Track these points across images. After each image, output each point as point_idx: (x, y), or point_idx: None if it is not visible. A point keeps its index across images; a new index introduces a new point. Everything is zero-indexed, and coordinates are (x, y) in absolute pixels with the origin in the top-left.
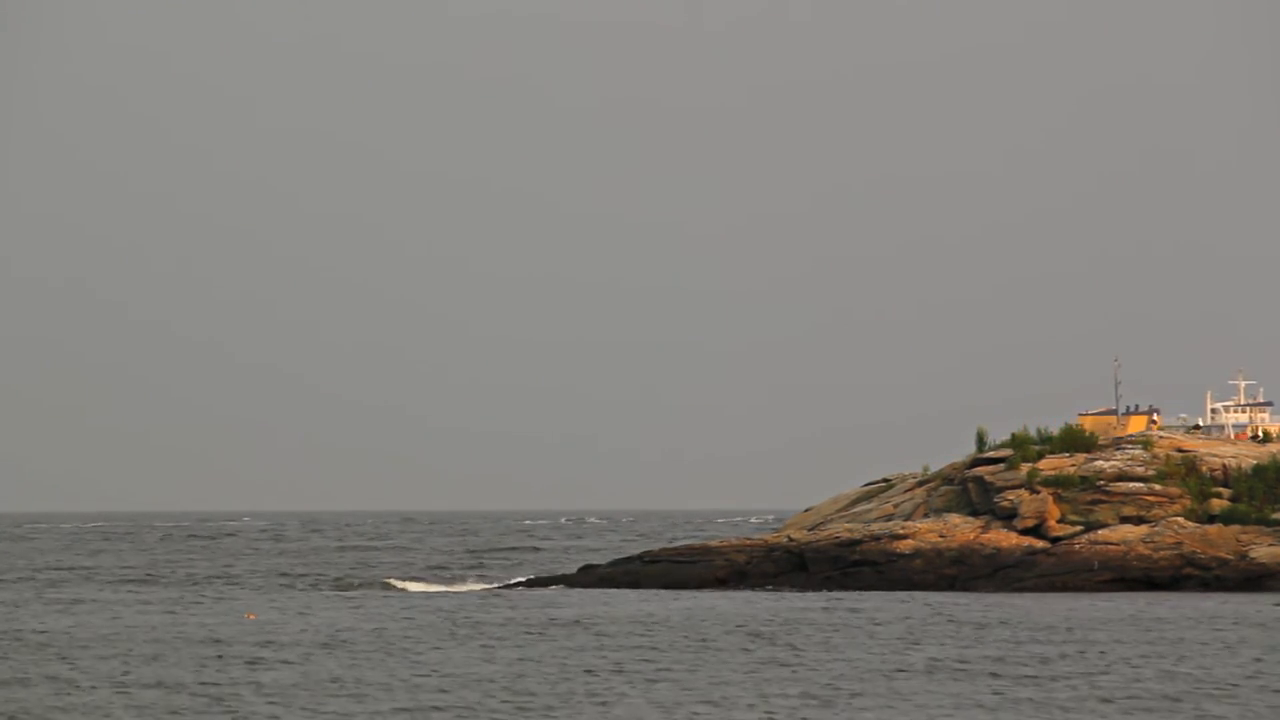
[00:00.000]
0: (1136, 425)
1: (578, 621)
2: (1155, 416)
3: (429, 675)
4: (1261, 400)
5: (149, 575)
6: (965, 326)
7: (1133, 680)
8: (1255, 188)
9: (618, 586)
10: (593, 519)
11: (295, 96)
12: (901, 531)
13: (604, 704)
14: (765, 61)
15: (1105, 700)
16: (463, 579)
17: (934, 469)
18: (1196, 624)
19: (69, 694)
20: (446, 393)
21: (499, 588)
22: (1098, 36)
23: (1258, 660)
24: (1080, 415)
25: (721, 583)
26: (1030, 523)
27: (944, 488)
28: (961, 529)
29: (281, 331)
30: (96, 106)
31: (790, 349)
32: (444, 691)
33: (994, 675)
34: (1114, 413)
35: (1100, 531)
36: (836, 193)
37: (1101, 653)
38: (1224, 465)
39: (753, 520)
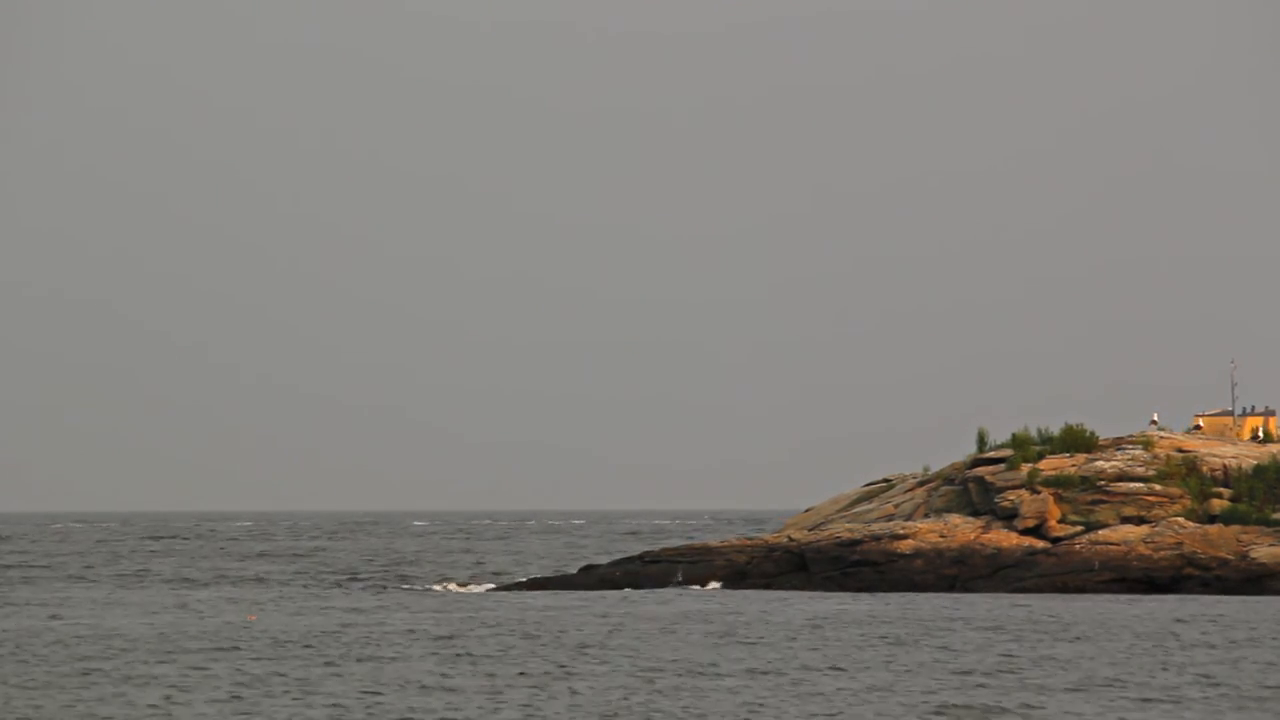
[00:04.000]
0: (1252, 427)
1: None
2: (1269, 418)
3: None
4: None
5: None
6: (968, 329)
7: None
8: (1260, 190)
9: (618, 587)
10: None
11: (292, 101)
12: (902, 532)
13: None
14: (768, 65)
15: None
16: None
17: (934, 469)
18: None
19: None
20: (446, 396)
21: (500, 589)
22: (1105, 41)
23: None
24: (1196, 416)
25: (723, 583)
26: (1031, 523)
27: (945, 488)
28: (962, 529)
29: (276, 335)
30: (88, 111)
31: (793, 352)
32: None
33: None
34: (1230, 414)
35: (1101, 532)
36: (839, 196)
37: None
38: (1224, 465)
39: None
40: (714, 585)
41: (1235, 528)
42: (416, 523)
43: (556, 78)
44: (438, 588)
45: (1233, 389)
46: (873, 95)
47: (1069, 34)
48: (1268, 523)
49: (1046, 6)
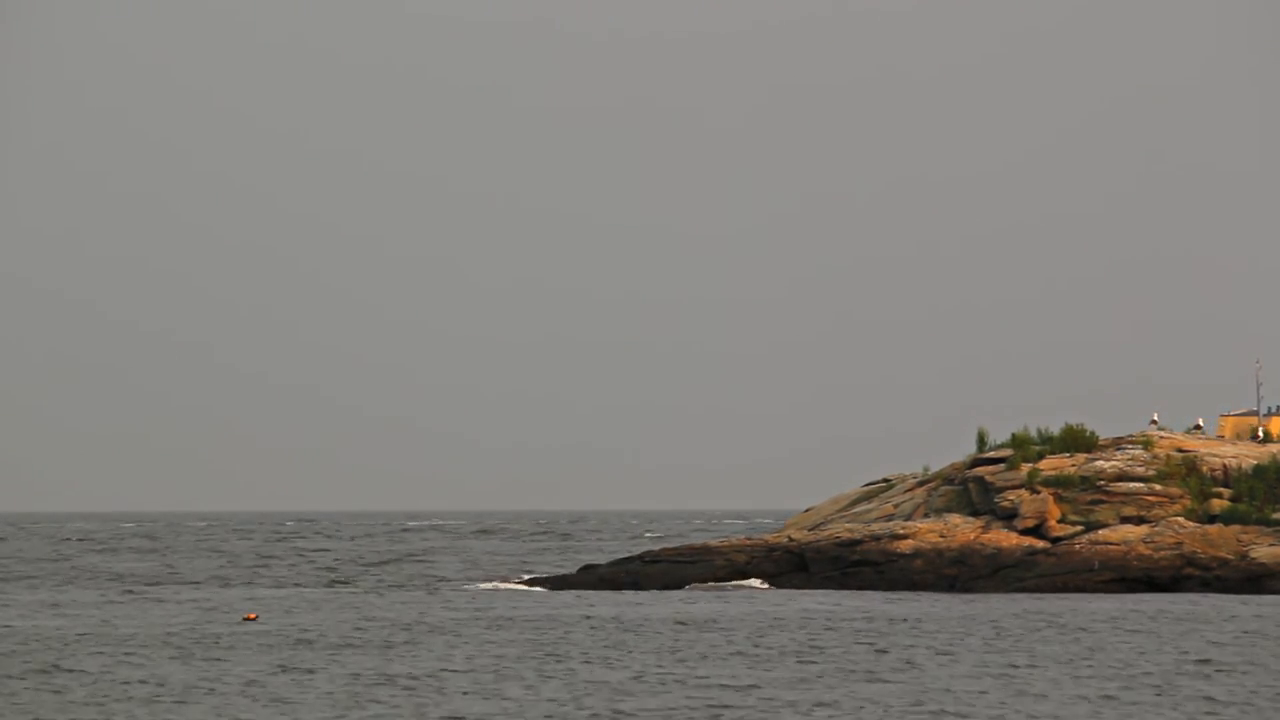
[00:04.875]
0: (1278, 426)
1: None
2: None
3: None
4: None
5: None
6: (968, 329)
7: None
8: (1262, 189)
9: (618, 587)
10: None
11: (293, 102)
12: (902, 531)
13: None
14: (768, 66)
15: None
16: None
17: (934, 469)
18: None
19: None
20: (444, 397)
21: (502, 588)
22: (1105, 40)
23: None
24: (1222, 416)
25: (722, 583)
26: (1031, 523)
27: (944, 488)
28: (962, 529)
29: (277, 336)
30: (89, 110)
31: (791, 353)
32: None
33: None
34: (1255, 413)
35: (1101, 531)
36: (839, 197)
37: None
38: (1224, 465)
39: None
40: (756, 582)
41: (1235, 528)
42: (411, 523)
43: (558, 79)
44: (487, 586)
45: (1258, 389)
46: (871, 95)
47: (1068, 34)
48: (1268, 523)
49: (1048, 6)
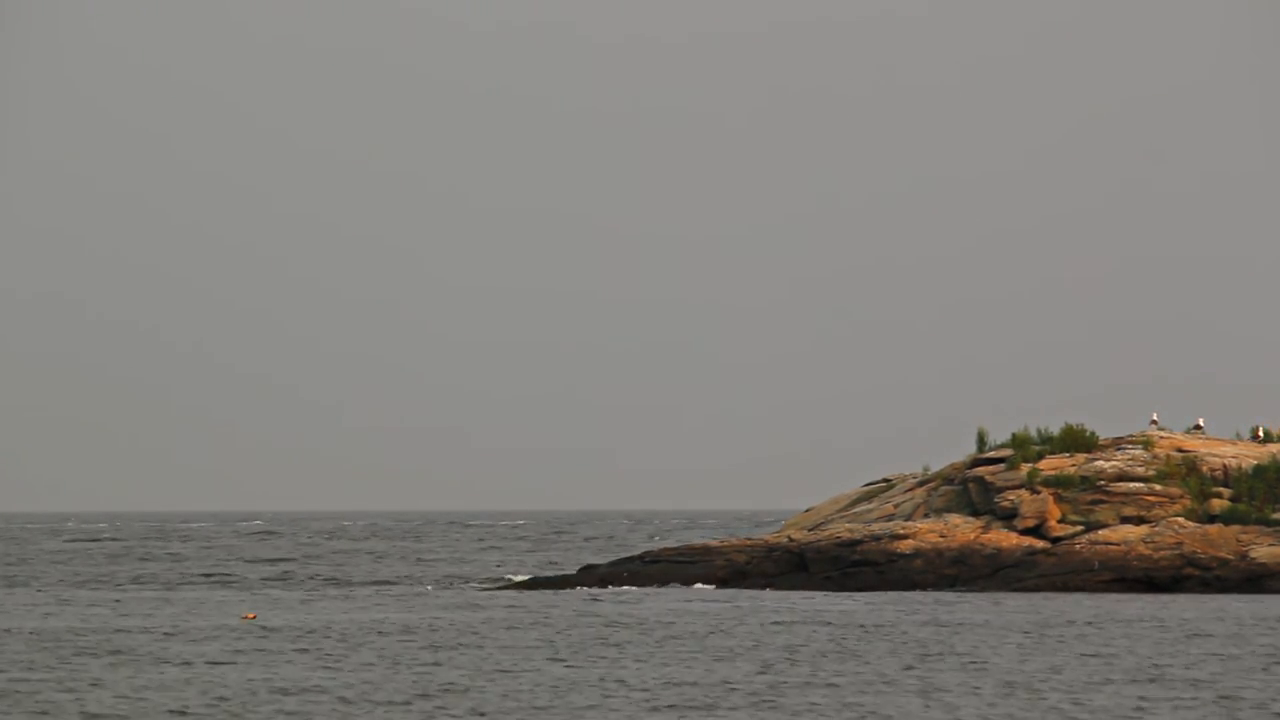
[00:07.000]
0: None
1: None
2: None
3: None
4: None
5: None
6: (968, 330)
7: None
8: (1261, 190)
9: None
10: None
11: (287, 103)
12: (902, 532)
13: None
14: (770, 69)
15: None
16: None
17: (934, 469)
18: None
19: None
20: (448, 401)
21: (499, 587)
22: (1105, 42)
23: None
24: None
25: (722, 582)
26: (1031, 523)
27: (944, 488)
28: (962, 529)
29: (276, 338)
30: (86, 111)
31: (791, 354)
32: None
33: None
34: None
35: (1101, 531)
36: (839, 199)
37: None
38: (1224, 465)
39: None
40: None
41: (1235, 528)
42: (344, 523)
43: (558, 80)
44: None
45: None
46: (874, 99)
47: (1066, 38)
48: (1268, 523)
49: (1049, 8)
